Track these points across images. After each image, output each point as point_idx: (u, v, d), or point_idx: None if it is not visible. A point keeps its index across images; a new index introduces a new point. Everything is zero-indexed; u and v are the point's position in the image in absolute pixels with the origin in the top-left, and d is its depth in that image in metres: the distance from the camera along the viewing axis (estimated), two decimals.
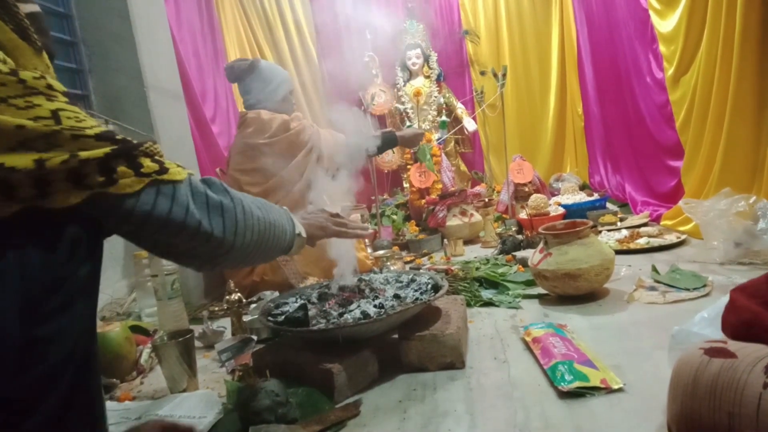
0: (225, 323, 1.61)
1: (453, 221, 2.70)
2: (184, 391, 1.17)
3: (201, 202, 0.72)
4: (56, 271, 0.58)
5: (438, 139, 3.56)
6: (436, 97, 3.67)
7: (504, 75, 2.85)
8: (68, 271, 0.59)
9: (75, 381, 0.60)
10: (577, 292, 1.46)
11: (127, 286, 1.87)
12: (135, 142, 0.65)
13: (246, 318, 1.53)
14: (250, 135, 2.05)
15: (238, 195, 0.79)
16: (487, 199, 2.93)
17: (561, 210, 2.64)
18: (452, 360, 1.13)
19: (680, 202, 1.94)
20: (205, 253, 0.75)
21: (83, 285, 0.61)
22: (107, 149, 0.60)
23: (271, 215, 0.87)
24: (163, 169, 0.67)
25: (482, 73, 3.76)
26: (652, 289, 1.46)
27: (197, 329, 1.50)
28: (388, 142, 2.54)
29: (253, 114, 2.08)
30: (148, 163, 0.65)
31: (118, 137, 0.63)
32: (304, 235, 1.02)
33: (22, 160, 0.54)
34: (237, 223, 0.76)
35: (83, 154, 0.58)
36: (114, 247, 1.85)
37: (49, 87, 0.60)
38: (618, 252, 1.79)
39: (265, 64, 2.22)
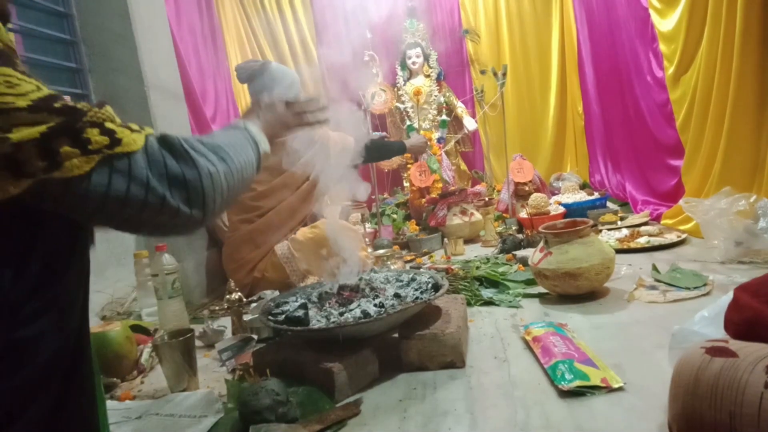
0: (225, 322, 1.61)
1: (453, 220, 2.69)
2: (185, 390, 1.17)
3: (160, 173, 0.61)
4: (35, 272, 0.55)
5: (438, 139, 3.57)
6: (436, 96, 3.67)
7: (504, 74, 2.84)
8: (49, 271, 0.56)
9: (67, 383, 0.58)
10: (578, 291, 1.46)
11: (127, 286, 1.87)
12: (80, 108, 0.56)
13: (246, 317, 1.53)
14: None
15: (201, 155, 0.67)
16: (487, 198, 2.93)
17: (561, 209, 2.64)
18: (452, 359, 1.13)
19: (681, 201, 1.94)
20: (179, 225, 0.66)
21: (68, 283, 0.59)
22: (43, 128, 0.52)
23: (238, 157, 0.75)
24: (115, 141, 0.57)
25: (482, 72, 3.76)
26: (653, 288, 1.46)
27: (198, 328, 1.50)
28: (396, 150, 2.63)
29: None
30: (96, 137, 0.56)
31: (57, 105, 0.54)
32: (268, 151, 0.92)
33: None
34: (205, 194, 0.66)
35: (15, 136, 0.50)
36: (114, 246, 1.85)
37: None
38: (618, 251, 1.79)
39: (275, 65, 2.24)
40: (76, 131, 0.54)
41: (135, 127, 0.61)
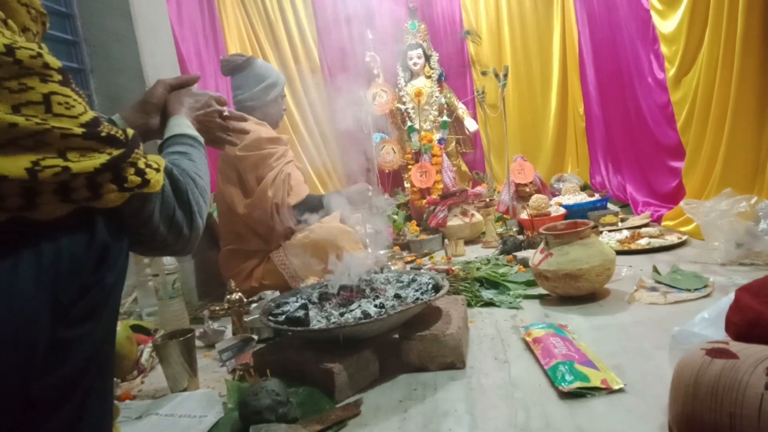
0: (226, 323, 1.61)
1: (454, 221, 2.69)
2: (185, 390, 1.17)
3: (166, 217, 0.72)
4: (84, 279, 0.58)
5: (439, 140, 3.57)
6: (437, 97, 3.67)
7: (505, 75, 2.84)
8: (95, 279, 0.59)
9: (92, 384, 0.60)
10: (578, 293, 1.46)
11: (128, 286, 1.87)
12: (119, 139, 0.62)
13: (247, 318, 1.53)
14: None
15: (199, 209, 0.78)
16: (488, 200, 2.93)
17: (562, 210, 2.64)
18: (453, 360, 1.13)
19: (681, 203, 1.94)
20: (163, 250, 0.78)
21: (109, 293, 0.62)
22: (97, 163, 0.58)
23: (206, 186, 0.84)
24: (145, 182, 0.65)
25: (483, 74, 3.76)
26: (653, 289, 1.46)
27: (198, 329, 1.50)
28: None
29: None
30: (132, 177, 0.63)
31: (102, 134, 0.60)
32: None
33: (14, 167, 0.52)
34: (191, 240, 0.78)
35: (75, 167, 0.56)
36: None
37: (45, 66, 0.58)
38: (619, 252, 1.79)
39: (260, 62, 2.23)
40: (119, 169, 0.62)
41: (154, 164, 0.68)
